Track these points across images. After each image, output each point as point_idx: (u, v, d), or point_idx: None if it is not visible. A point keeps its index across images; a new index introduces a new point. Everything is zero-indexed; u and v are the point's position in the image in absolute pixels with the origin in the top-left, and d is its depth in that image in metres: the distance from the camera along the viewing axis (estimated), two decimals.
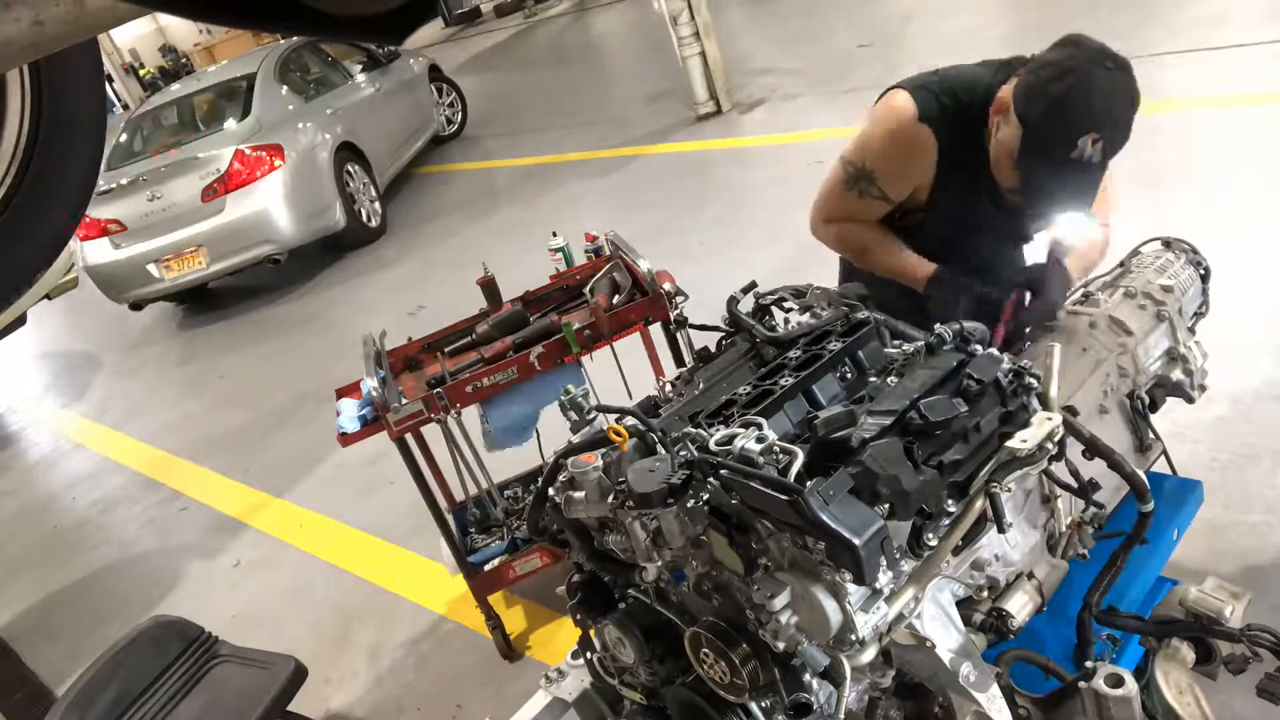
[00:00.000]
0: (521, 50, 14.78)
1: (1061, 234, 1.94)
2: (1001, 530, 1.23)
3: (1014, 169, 1.77)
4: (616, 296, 2.77)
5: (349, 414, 2.69)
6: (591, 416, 1.59)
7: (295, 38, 7.70)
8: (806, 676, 1.21)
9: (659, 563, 1.29)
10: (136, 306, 7.26)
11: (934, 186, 1.95)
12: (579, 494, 1.32)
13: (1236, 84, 4.85)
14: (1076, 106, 1.63)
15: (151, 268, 6.78)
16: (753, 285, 1.67)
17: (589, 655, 1.57)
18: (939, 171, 1.91)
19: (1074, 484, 1.40)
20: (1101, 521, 1.50)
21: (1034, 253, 2.13)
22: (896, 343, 1.44)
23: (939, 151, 1.88)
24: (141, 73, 23.68)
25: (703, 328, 1.73)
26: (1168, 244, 1.97)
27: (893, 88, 1.96)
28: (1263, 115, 4.51)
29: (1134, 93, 1.67)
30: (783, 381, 1.35)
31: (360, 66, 8.56)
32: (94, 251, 6.83)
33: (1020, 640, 1.41)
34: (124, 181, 6.75)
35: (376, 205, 7.70)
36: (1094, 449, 1.37)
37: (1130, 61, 1.67)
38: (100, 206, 6.73)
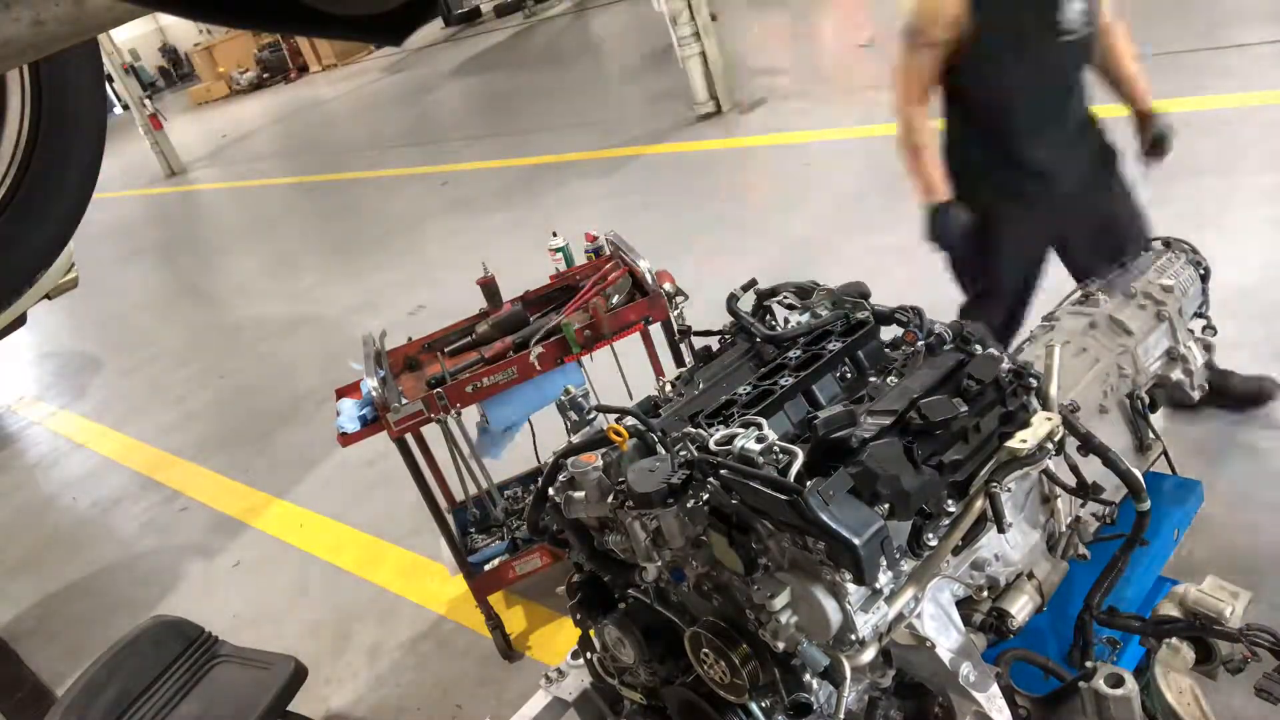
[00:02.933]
0: (521, 50, 14.76)
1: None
2: (1001, 530, 1.23)
3: None
4: (615, 298, 2.77)
5: (349, 414, 2.69)
6: (591, 416, 1.59)
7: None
8: (806, 676, 1.21)
9: (659, 563, 1.29)
10: None
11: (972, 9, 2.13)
12: (579, 494, 1.32)
13: (1248, 83, 4.84)
14: None
15: None
16: (753, 283, 1.68)
17: (589, 655, 1.57)
18: None
19: (1074, 484, 1.40)
20: (1112, 516, 1.50)
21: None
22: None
23: None
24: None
25: (706, 334, 1.73)
26: (1168, 244, 1.97)
27: None
28: (1271, 115, 4.50)
29: None
30: (783, 381, 1.35)
31: None
32: None
33: (1020, 640, 1.41)
34: None
35: None
36: (1090, 446, 1.37)
37: None
38: None
